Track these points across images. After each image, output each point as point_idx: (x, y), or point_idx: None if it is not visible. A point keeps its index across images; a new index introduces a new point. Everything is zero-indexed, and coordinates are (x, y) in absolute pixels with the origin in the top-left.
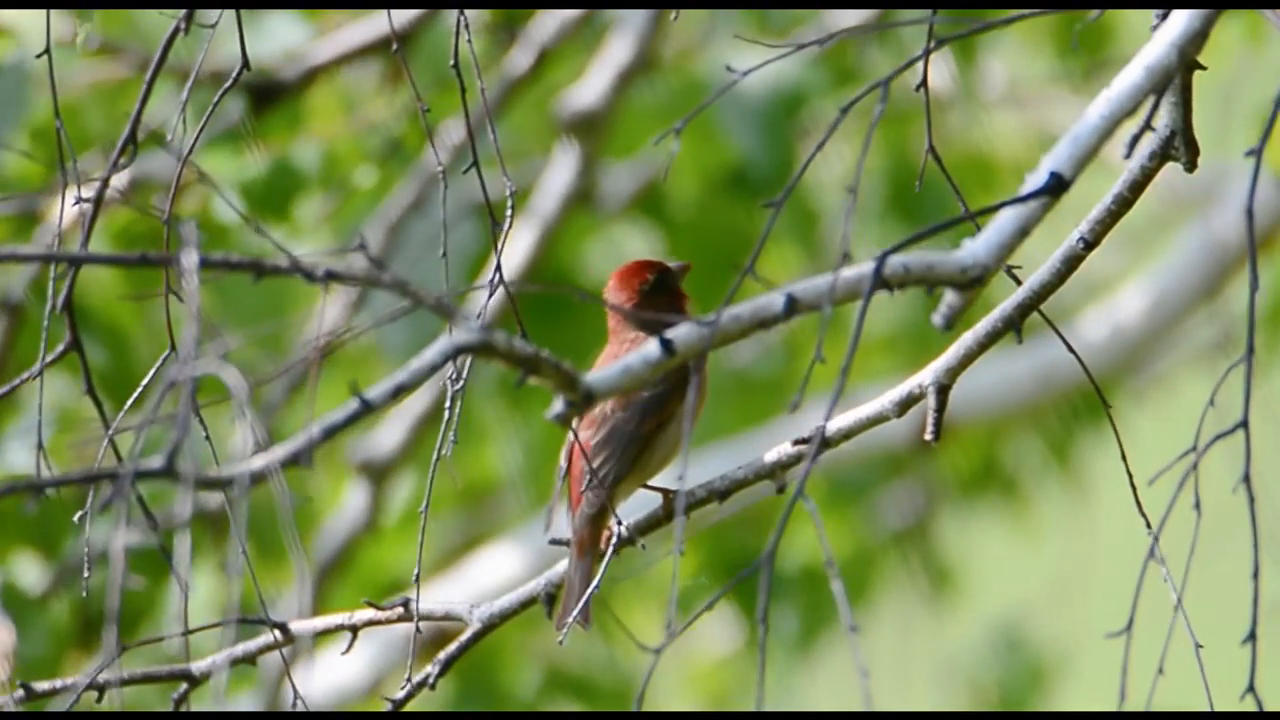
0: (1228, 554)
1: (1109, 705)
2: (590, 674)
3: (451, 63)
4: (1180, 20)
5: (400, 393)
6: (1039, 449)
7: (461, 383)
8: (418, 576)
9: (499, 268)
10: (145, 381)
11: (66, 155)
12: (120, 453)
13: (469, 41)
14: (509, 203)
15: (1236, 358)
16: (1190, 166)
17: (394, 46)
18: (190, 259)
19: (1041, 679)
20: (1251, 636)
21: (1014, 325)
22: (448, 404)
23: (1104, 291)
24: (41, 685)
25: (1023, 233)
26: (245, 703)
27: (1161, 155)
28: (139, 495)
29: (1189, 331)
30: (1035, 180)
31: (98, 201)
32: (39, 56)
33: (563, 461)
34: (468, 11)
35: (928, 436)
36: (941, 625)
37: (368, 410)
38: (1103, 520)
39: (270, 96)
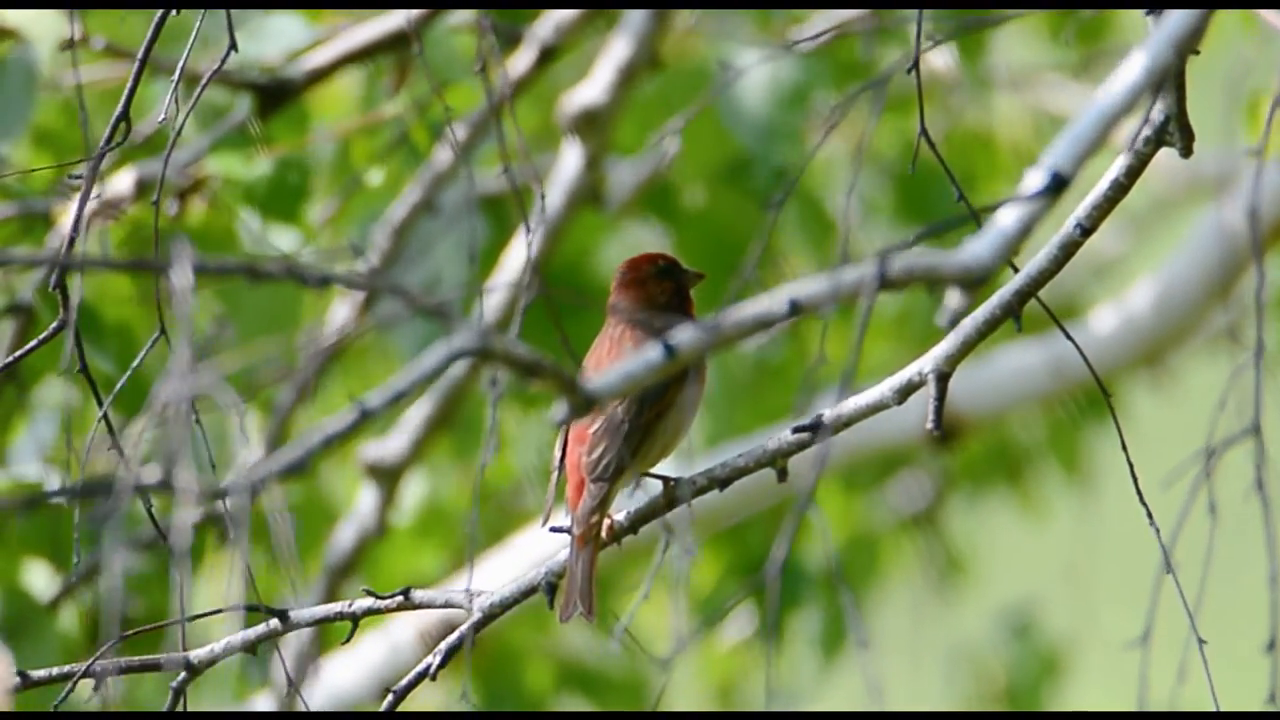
0: (1236, 542)
1: (1116, 692)
2: (602, 669)
3: (477, 68)
4: (1177, 20)
5: (399, 399)
6: (1046, 436)
7: (498, 389)
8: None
9: (530, 270)
10: (134, 365)
11: (69, 154)
12: (119, 442)
13: (495, 47)
14: (539, 213)
15: (1247, 346)
16: (1185, 152)
17: (416, 48)
18: (184, 276)
19: (1050, 666)
20: (1271, 645)
21: (1013, 312)
22: (491, 408)
23: (1114, 276)
24: (38, 673)
25: (1024, 231)
26: (258, 705)
27: (1156, 141)
28: (149, 504)
29: (1202, 322)
30: (1036, 180)
31: (90, 180)
32: (64, 49)
33: (557, 451)
34: (475, 11)
35: (929, 426)
36: (950, 611)
37: (367, 418)
38: (1109, 505)
39: (277, 98)
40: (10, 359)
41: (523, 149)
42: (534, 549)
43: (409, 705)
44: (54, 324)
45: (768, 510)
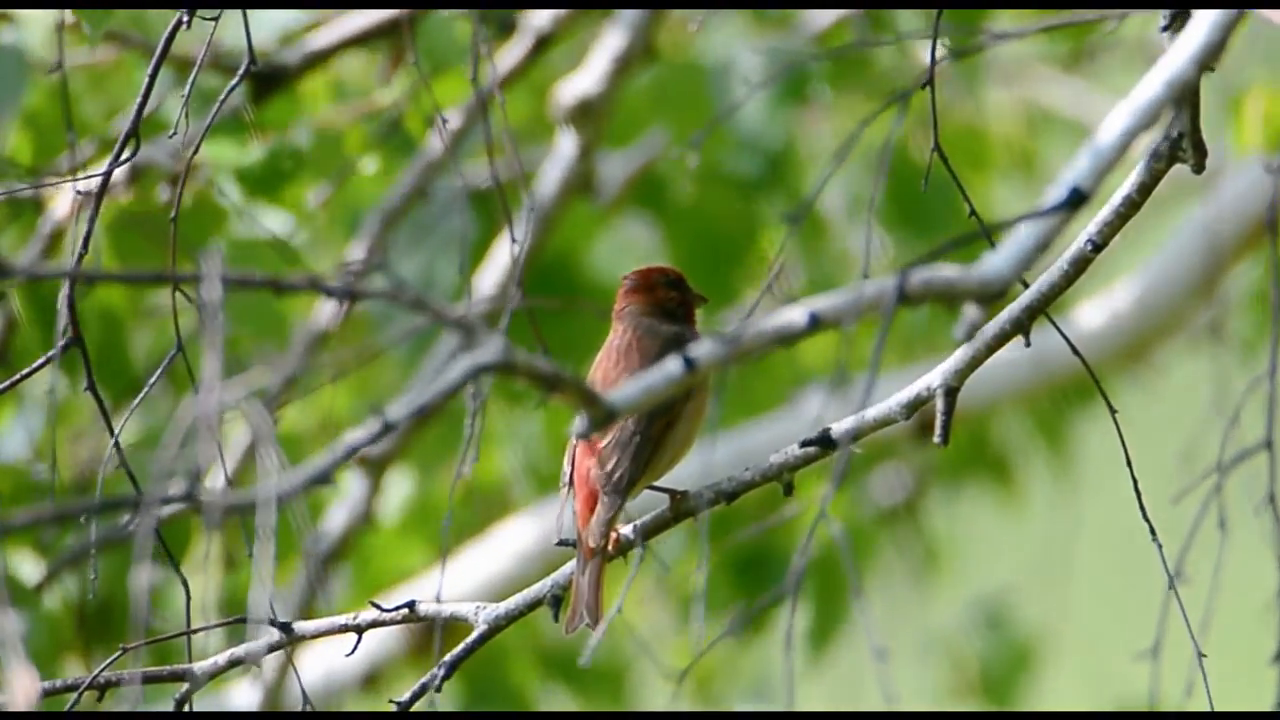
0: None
1: (1089, 682)
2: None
3: (471, 77)
4: (1199, 33)
5: (420, 413)
6: (1028, 427)
7: (482, 399)
8: (439, 595)
9: (521, 283)
10: (150, 383)
11: (66, 145)
12: (121, 447)
13: (485, 41)
14: (526, 217)
15: (1229, 342)
16: (1198, 169)
17: (408, 39)
18: (214, 290)
19: (1024, 656)
20: (1278, 657)
21: (1023, 328)
22: (469, 420)
23: (1097, 272)
24: (44, 685)
25: (1041, 246)
26: (243, 691)
27: (1169, 157)
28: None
29: (1185, 318)
30: (1056, 194)
31: (100, 195)
32: (52, 72)
33: (567, 464)
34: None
35: (936, 440)
36: (928, 602)
37: (388, 430)
38: (1087, 496)
39: (271, 82)
40: (14, 379)
41: (510, 144)
42: (513, 543)
43: (388, 688)
44: (61, 342)
45: (757, 505)
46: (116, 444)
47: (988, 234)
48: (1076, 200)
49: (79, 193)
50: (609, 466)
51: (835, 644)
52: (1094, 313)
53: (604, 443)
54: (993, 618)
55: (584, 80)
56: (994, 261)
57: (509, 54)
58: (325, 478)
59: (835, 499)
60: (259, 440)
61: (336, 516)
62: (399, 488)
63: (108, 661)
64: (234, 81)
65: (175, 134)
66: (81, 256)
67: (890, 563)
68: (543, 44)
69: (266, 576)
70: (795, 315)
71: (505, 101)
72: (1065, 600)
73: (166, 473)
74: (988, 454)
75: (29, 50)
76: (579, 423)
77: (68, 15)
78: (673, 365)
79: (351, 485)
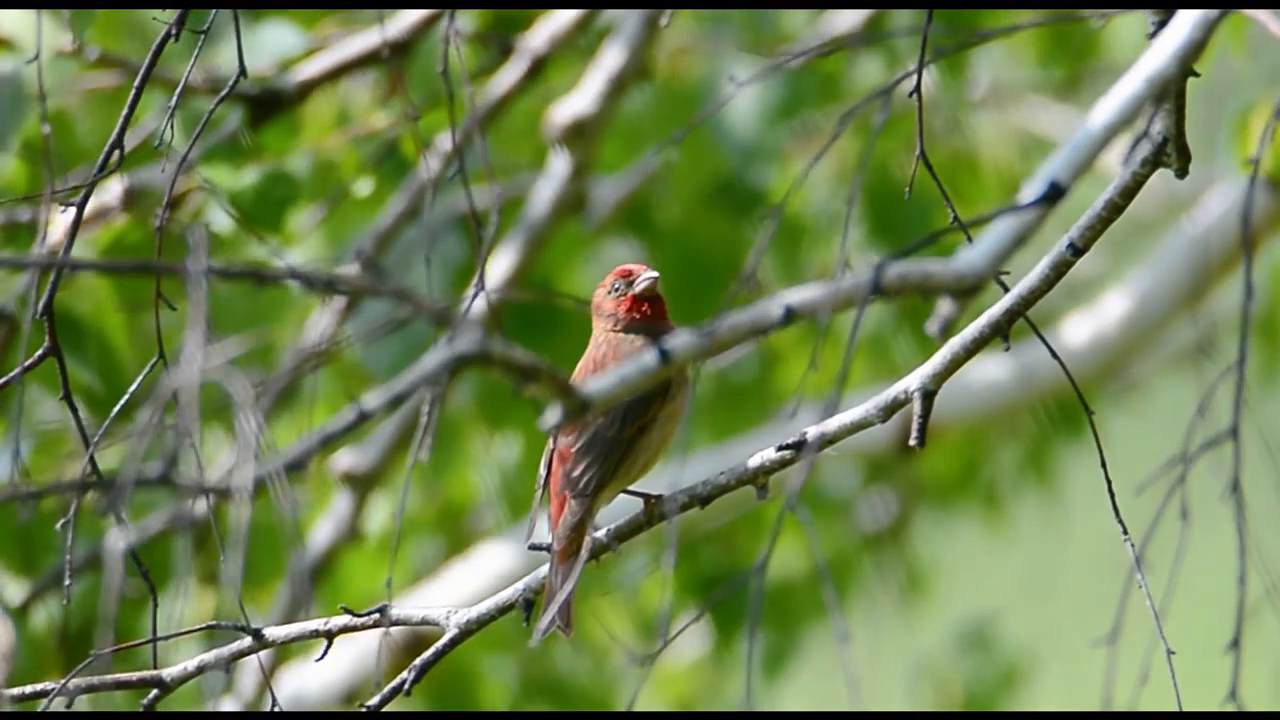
0: (1198, 545)
1: (1074, 704)
2: (569, 677)
3: (440, 69)
4: (1181, 31)
5: (398, 402)
6: (1014, 451)
7: (441, 387)
8: (389, 581)
9: (482, 275)
10: (132, 388)
11: (55, 164)
12: (98, 466)
13: (458, 49)
14: (495, 209)
15: (1218, 362)
16: (1181, 173)
17: (386, 53)
18: (199, 263)
19: (1008, 678)
20: (1234, 644)
21: (1001, 332)
22: (425, 407)
23: (1087, 293)
24: (12, 691)
25: (1018, 241)
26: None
27: (1153, 161)
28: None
29: (1170, 335)
30: (1033, 189)
31: (82, 205)
32: (29, 62)
33: (543, 468)
34: (460, 20)
35: (912, 442)
36: (914, 626)
37: (365, 420)
38: (1074, 519)
39: (268, 108)
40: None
41: (489, 170)
42: (500, 555)
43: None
44: (40, 351)
45: (724, 526)
46: (91, 458)
47: (966, 231)
48: (1054, 195)
49: (63, 204)
50: (577, 470)
51: (798, 660)
52: (1080, 327)
53: (576, 446)
54: (978, 640)
55: (579, 100)
56: (970, 256)
57: (504, 77)
58: (301, 463)
59: (821, 522)
60: (239, 409)
61: (320, 535)
62: (378, 508)
63: (79, 667)
64: (224, 91)
65: (160, 143)
66: (63, 258)
67: (874, 588)
68: (538, 66)
69: (240, 550)
70: (771, 307)
71: (501, 119)
72: (1050, 624)
73: (141, 453)
74: (975, 478)
75: (27, 80)
76: (551, 414)
77: (68, 40)
78: (648, 357)
79: (337, 503)
